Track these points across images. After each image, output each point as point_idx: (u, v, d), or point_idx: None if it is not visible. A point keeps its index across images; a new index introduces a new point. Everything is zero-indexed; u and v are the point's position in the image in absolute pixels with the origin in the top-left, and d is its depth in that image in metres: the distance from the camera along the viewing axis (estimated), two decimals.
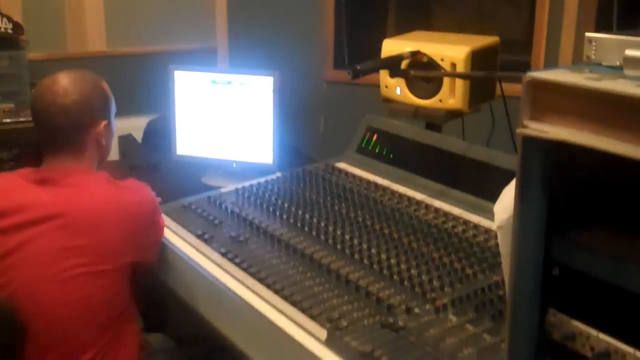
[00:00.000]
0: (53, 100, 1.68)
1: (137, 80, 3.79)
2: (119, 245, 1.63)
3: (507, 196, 1.25)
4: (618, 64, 1.09)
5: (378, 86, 2.52)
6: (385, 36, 4.27)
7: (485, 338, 1.44)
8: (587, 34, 1.17)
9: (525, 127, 1.10)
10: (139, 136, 3.44)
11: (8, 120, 3.46)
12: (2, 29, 3.52)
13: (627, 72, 1.02)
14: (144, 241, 1.72)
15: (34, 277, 1.55)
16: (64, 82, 1.71)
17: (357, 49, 4.16)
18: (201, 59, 3.86)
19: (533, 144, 1.10)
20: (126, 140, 3.39)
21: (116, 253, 1.62)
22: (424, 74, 2.11)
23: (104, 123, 1.75)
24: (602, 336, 1.11)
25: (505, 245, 1.24)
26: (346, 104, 3.96)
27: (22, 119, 3.48)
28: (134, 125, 3.39)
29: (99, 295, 1.61)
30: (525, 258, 1.17)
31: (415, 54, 2.07)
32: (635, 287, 1.04)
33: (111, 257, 1.61)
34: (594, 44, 1.16)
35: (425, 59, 2.09)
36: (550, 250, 1.16)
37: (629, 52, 1.02)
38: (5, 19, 3.53)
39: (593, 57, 1.16)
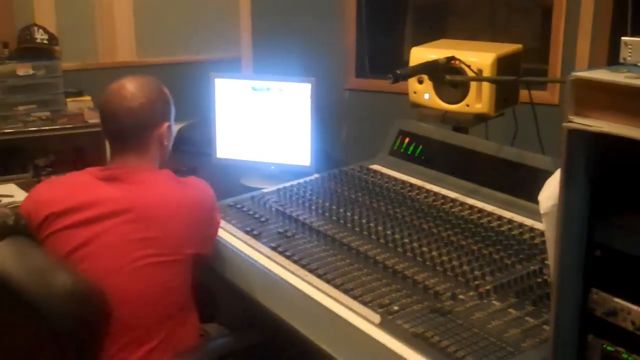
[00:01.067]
0: (121, 103, 1.81)
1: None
2: (183, 237, 1.75)
3: (551, 186, 1.37)
4: None
5: (398, 93, 2.64)
6: (403, 47, 4.42)
7: (528, 320, 1.56)
8: (624, 38, 1.30)
9: (570, 121, 1.23)
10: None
11: (45, 127, 3.61)
12: (39, 40, 3.68)
13: None
14: (204, 233, 1.85)
15: (106, 267, 1.67)
16: (131, 87, 1.83)
17: (377, 59, 4.29)
18: (226, 68, 3.99)
19: (577, 136, 1.23)
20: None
21: (180, 244, 1.75)
22: (459, 78, 2.23)
23: (166, 124, 1.88)
24: None
25: (550, 230, 1.36)
26: (367, 112, 4.09)
27: (57, 127, 3.64)
28: None
29: (165, 284, 1.73)
30: (569, 241, 1.29)
31: (450, 60, 2.19)
32: None
33: (176, 248, 1.74)
34: (629, 46, 1.29)
35: (457, 64, 2.21)
36: (592, 233, 1.28)
37: None
38: (41, 31, 3.69)
39: (629, 58, 1.28)
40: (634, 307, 1.24)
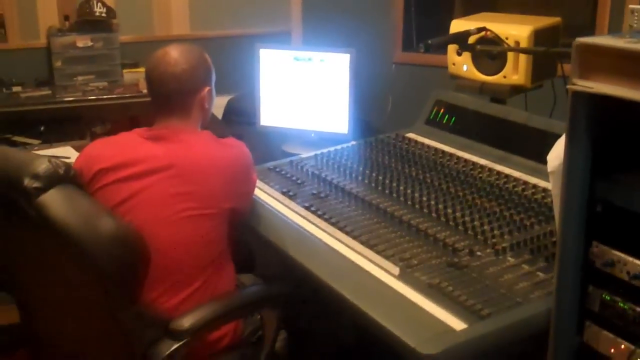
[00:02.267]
0: (165, 69, 1.94)
1: (218, 62, 4.06)
2: (221, 192, 1.88)
3: (559, 146, 1.46)
4: None
5: (443, 67, 2.71)
6: (452, 19, 4.47)
7: (539, 274, 1.65)
8: (631, 6, 1.37)
9: (574, 84, 1.31)
10: (219, 113, 3.71)
11: (102, 97, 3.79)
12: (97, 13, 3.85)
13: None
14: (240, 190, 1.97)
15: (150, 219, 1.81)
16: (174, 53, 1.96)
17: (424, 32, 4.35)
18: (276, 42, 4.11)
19: (581, 98, 1.31)
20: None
21: (218, 199, 1.88)
22: (489, 48, 2.30)
23: (207, 89, 2.00)
24: (638, 262, 1.31)
25: (555, 188, 1.45)
26: (412, 85, 4.16)
27: (114, 96, 3.81)
28: (215, 104, 3.67)
29: (204, 235, 1.86)
30: (573, 197, 1.38)
31: (481, 30, 2.27)
32: None
33: (214, 202, 1.87)
34: (635, 14, 1.36)
35: (490, 35, 2.28)
36: (594, 189, 1.36)
37: None
38: (99, 4, 3.86)
39: (635, 25, 1.35)
40: (629, 259, 1.33)
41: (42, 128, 3.65)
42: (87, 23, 3.86)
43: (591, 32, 3.78)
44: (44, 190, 1.52)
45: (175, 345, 1.72)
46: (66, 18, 3.88)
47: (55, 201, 1.53)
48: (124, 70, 3.97)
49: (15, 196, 1.52)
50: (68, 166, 1.59)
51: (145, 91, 3.80)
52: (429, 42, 2.14)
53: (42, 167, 1.53)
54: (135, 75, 3.98)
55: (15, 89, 3.72)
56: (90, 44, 3.85)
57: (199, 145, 1.93)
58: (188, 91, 1.96)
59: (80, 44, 3.83)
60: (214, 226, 1.88)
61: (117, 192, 1.86)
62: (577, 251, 1.41)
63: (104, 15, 3.86)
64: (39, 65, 3.93)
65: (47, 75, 3.89)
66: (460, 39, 2.25)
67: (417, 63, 4.19)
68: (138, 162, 1.87)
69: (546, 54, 2.34)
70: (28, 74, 3.86)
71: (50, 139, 3.59)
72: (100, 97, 3.77)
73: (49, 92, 3.72)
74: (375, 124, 3.53)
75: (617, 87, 1.26)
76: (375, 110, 3.96)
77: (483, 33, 2.29)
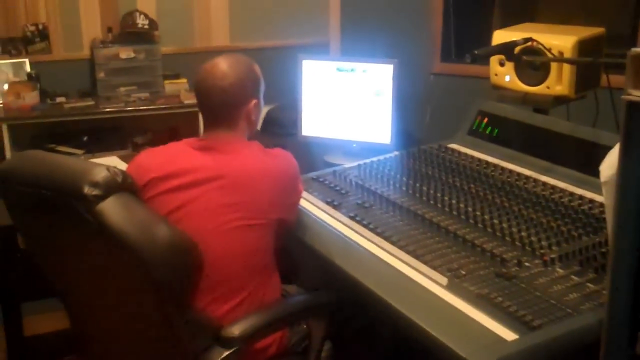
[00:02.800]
0: (213, 82, 1.96)
1: None
2: (269, 203, 1.89)
3: (612, 156, 1.45)
4: None
5: (482, 78, 2.71)
6: (490, 31, 4.45)
7: (589, 286, 1.64)
8: None
9: (629, 94, 1.30)
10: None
11: (144, 107, 3.84)
12: (140, 25, 3.92)
13: None
14: (287, 201, 1.99)
15: (200, 228, 1.82)
16: (223, 66, 1.98)
17: (463, 43, 4.34)
18: (314, 52, 4.13)
19: (636, 108, 1.30)
20: None
21: (266, 209, 1.89)
22: (535, 59, 2.29)
23: (254, 102, 2.01)
24: None
25: (609, 198, 1.44)
26: (451, 95, 4.15)
27: (155, 107, 3.87)
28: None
29: (252, 245, 1.88)
30: (627, 207, 1.37)
31: (527, 41, 2.26)
32: None
33: (262, 212, 1.88)
34: None
35: (536, 45, 2.27)
36: None
37: None
38: (142, 16, 3.93)
39: None
40: None
41: (85, 138, 3.71)
42: (130, 35, 3.92)
43: (633, 41, 3.74)
44: (102, 197, 1.54)
45: (226, 353, 1.74)
46: (109, 30, 3.95)
47: (113, 209, 1.55)
48: (165, 82, 4.02)
49: (74, 203, 1.54)
50: (125, 174, 1.62)
51: (186, 102, 3.88)
52: (476, 52, 2.14)
53: (101, 175, 1.56)
54: (176, 87, 4.03)
55: (59, 99, 3.79)
56: (132, 55, 3.91)
57: (248, 156, 1.94)
58: (235, 104, 1.98)
59: (123, 55, 3.89)
60: (261, 236, 1.90)
61: (168, 202, 1.88)
62: (631, 261, 1.39)
63: (146, 27, 3.92)
64: (82, 76, 4.00)
65: (90, 86, 3.97)
66: (507, 49, 2.25)
67: (455, 74, 4.19)
68: (188, 172, 1.90)
69: (592, 64, 2.33)
70: (71, 85, 3.93)
71: (92, 149, 3.65)
72: (142, 107, 3.82)
73: (92, 102, 3.79)
74: (415, 134, 3.54)
75: None
76: (414, 120, 3.97)
77: (529, 43, 2.28)
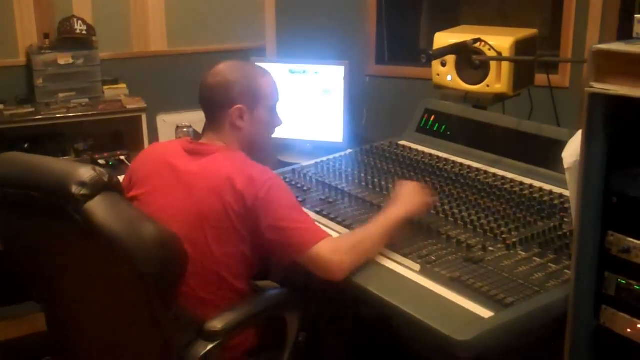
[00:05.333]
0: (206, 78, 2.03)
1: (195, 77, 4.14)
2: (228, 210, 1.88)
3: (573, 144, 1.59)
4: None
5: (415, 79, 2.84)
6: (418, 36, 4.63)
7: (551, 266, 1.77)
8: (637, 16, 1.51)
9: (591, 87, 1.44)
10: (200, 129, 3.78)
11: (86, 113, 3.81)
12: (78, 31, 3.88)
13: None
14: (259, 208, 1.89)
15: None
16: (221, 66, 2.04)
17: (394, 47, 4.50)
18: (255, 56, 4.20)
19: (597, 99, 1.44)
20: (188, 133, 3.73)
21: (228, 216, 1.88)
22: (485, 58, 2.44)
23: (237, 107, 2.01)
24: None
25: (572, 183, 1.58)
26: (386, 97, 4.30)
27: (97, 112, 3.85)
28: (195, 119, 3.71)
29: (219, 248, 1.91)
30: (590, 191, 1.50)
31: (476, 41, 2.41)
32: None
33: (225, 219, 1.88)
34: None
35: (482, 46, 2.41)
36: (609, 183, 1.49)
37: None
38: (80, 22, 3.90)
39: None
40: None
41: (25, 145, 3.66)
42: (68, 41, 3.88)
43: (554, 44, 3.96)
44: (90, 197, 1.57)
45: (210, 346, 1.79)
46: (46, 36, 3.90)
47: (101, 207, 1.58)
48: (105, 87, 4.00)
49: (62, 203, 1.57)
50: (111, 174, 1.65)
51: (128, 107, 3.88)
52: (430, 52, 2.26)
53: (88, 175, 1.59)
54: (116, 92, 4.02)
55: None
56: (71, 61, 3.87)
57: (221, 163, 1.96)
58: (217, 104, 2.03)
59: (61, 61, 3.85)
60: (230, 239, 1.92)
61: (145, 205, 1.94)
62: (594, 240, 1.53)
63: (84, 32, 3.88)
64: (18, 83, 3.94)
65: (27, 93, 3.90)
66: (459, 50, 2.38)
67: (390, 75, 4.34)
68: (172, 171, 1.96)
69: (536, 63, 2.49)
70: (8, 93, 3.87)
71: None
72: (84, 113, 3.79)
73: (32, 109, 3.74)
74: (358, 133, 3.66)
75: (631, 88, 1.39)
76: (355, 121, 4.09)
77: (478, 44, 2.42)
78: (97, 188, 1.59)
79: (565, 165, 1.60)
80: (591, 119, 1.46)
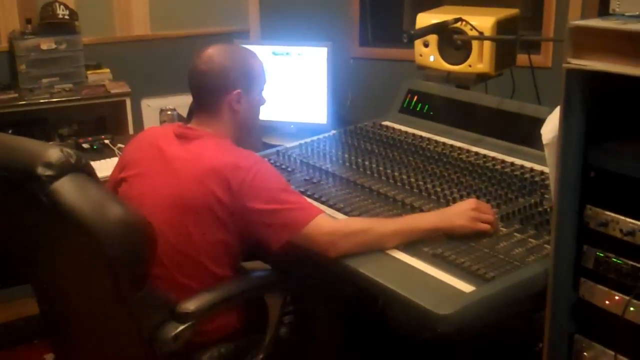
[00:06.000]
0: (196, 65, 2.01)
1: (179, 61, 4.13)
2: (213, 195, 1.88)
3: (552, 121, 1.60)
4: (638, 13, 1.45)
5: (398, 61, 2.84)
6: (401, 18, 4.62)
7: (531, 241, 1.80)
8: None
9: (569, 62, 1.46)
10: (184, 112, 3.78)
11: (70, 98, 3.81)
12: (60, 15, 3.87)
13: None
14: (244, 192, 1.89)
15: (153, 212, 1.84)
16: (211, 52, 2.02)
17: (379, 29, 4.51)
18: (239, 39, 4.19)
19: (575, 75, 1.46)
20: (172, 116, 3.73)
21: (212, 201, 1.88)
22: (467, 37, 2.45)
23: (236, 92, 2.02)
24: (629, 220, 1.47)
25: (551, 158, 1.60)
26: (370, 78, 4.31)
27: (81, 97, 3.84)
28: (179, 103, 3.72)
29: (202, 233, 1.91)
30: (568, 165, 1.52)
31: (457, 21, 2.42)
32: None
33: (209, 204, 1.88)
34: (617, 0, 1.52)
35: (464, 26, 2.43)
36: (587, 157, 1.52)
37: None
38: (62, 7, 3.88)
39: (617, 9, 1.51)
40: (622, 218, 1.48)
41: (10, 131, 3.65)
42: (50, 26, 3.87)
43: (535, 24, 3.97)
44: (56, 178, 1.58)
45: (181, 327, 1.80)
46: (28, 21, 3.88)
47: (66, 188, 1.59)
48: (88, 72, 3.99)
49: (29, 184, 1.58)
50: (79, 155, 1.65)
51: (112, 91, 3.87)
52: (412, 32, 2.28)
53: (55, 156, 1.59)
54: (99, 76, 4.02)
55: None
56: (54, 46, 3.86)
57: (208, 150, 1.96)
58: (214, 90, 2.01)
59: (44, 46, 3.84)
60: (211, 227, 1.92)
61: (131, 186, 1.95)
62: (573, 214, 1.56)
63: (67, 17, 3.87)
64: (1, 69, 3.93)
65: (10, 79, 3.89)
66: (440, 29, 2.40)
67: (374, 57, 4.36)
68: (161, 154, 1.97)
69: (517, 42, 2.50)
70: None
71: None
72: (68, 98, 3.79)
73: (15, 95, 3.73)
74: (342, 115, 3.67)
75: (607, 64, 1.41)
76: (339, 102, 4.11)
77: (459, 23, 2.43)
78: (63, 169, 1.60)
79: (544, 141, 1.62)
80: (569, 95, 1.48)
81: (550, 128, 1.60)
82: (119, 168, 2.08)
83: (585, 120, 1.50)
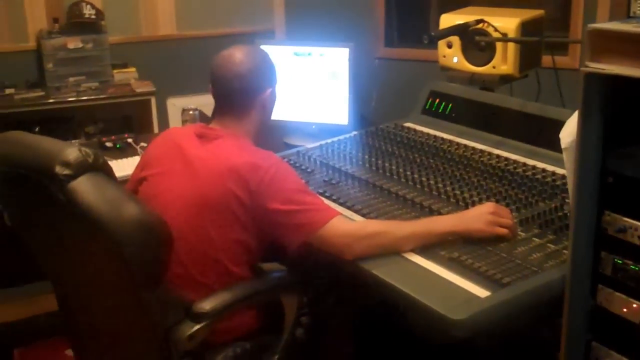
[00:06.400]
0: (230, 68, 2.01)
1: (205, 61, 4.15)
2: (233, 195, 1.89)
3: (570, 124, 1.58)
4: None
5: (424, 62, 2.83)
6: (427, 19, 4.60)
7: (550, 246, 1.78)
8: None
9: (587, 66, 1.44)
10: (209, 112, 3.80)
11: (96, 97, 3.84)
12: (87, 15, 3.90)
13: None
14: (264, 193, 1.90)
15: (171, 215, 1.84)
16: (239, 54, 2.04)
17: (404, 29, 4.49)
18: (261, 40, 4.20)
19: (593, 79, 1.44)
20: (194, 116, 3.74)
21: (231, 201, 1.89)
22: (488, 39, 2.43)
23: (269, 90, 2.08)
24: None
25: (569, 162, 1.58)
26: (395, 78, 4.29)
27: (107, 96, 3.87)
28: (204, 102, 3.73)
29: (219, 234, 1.92)
30: (586, 170, 1.50)
31: (479, 22, 2.40)
32: None
33: (226, 204, 1.89)
34: (639, 2, 1.49)
35: (486, 27, 2.40)
36: (605, 162, 1.49)
37: None
38: (89, 6, 3.91)
39: (638, 11, 1.49)
40: None
41: (36, 129, 3.69)
42: (77, 25, 3.90)
43: (564, 25, 3.93)
44: (74, 177, 1.59)
45: (196, 327, 1.80)
46: (55, 20, 3.92)
47: (83, 188, 1.60)
48: (114, 71, 4.02)
49: (47, 182, 1.59)
50: (97, 155, 1.66)
51: (138, 90, 3.90)
52: (433, 34, 2.26)
53: (73, 155, 1.60)
54: (125, 75, 4.04)
55: (8, 91, 3.76)
56: (80, 45, 3.89)
57: (228, 150, 1.97)
58: (251, 91, 2.04)
59: (70, 45, 3.87)
60: (230, 226, 1.92)
61: (151, 185, 1.96)
62: (590, 220, 1.53)
63: (93, 17, 3.90)
64: (29, 67, 3.97)
65: (37, 77, 3.94)
66: (460, 31, 2.38)
67: (400, 58, 4.34)
68: (181, 154, 1.99)
69: (534, 44, 2.47)
70: (19, 77, 3.90)
71: None
72: (94, 97, 3.82)
73: (42, 93, 3.77)
74: (365, 116, 3.66)
75: (626, 68, 1.39)
76: (361, 103, 4.10)
77: (481, 25, 2.41)
78: (81, 168, 1.61)
79: (563, 145, 1.60)
80: (587, 99, 1.46)
81: (568, 132, 1.58)
82: (141, 167, 2.10)
83: (603, 124, 1.47)
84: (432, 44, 2.35)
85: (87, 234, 1.67)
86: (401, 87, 4.14)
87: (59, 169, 1.59)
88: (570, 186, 1.59)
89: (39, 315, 2.86)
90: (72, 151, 1.62)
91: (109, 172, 1.72)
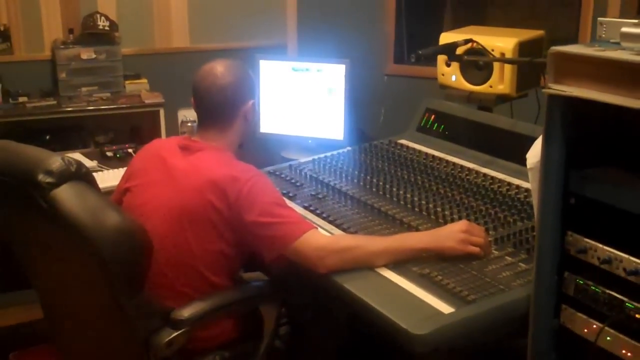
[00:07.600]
0: (213, 81, 2.06)
1: None
2: (212, 206, 1.93)
3: (537, 146, 1.60)
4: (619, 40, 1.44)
5: (432, 79, 2.86)
6: (439, 36, 4.64)
7: (521, 265, 1.79)
8: (599, 19, 1.52)
9: (550, 88, 1.46)
10: None
11: (106, 107, 3.92)
12: (101, 27, 3.99)
13: (623, 44, 1.37)
14: (240, 204, 1.93)
15: (151, 224, 1.89)
16: (221, 67, 2.09)
17: (415, 45, 4.51)
18: (273, 53, 4.25)
19: (556, 101, 1.46)
20: (192, 128, 3.78)
21: (210, 212, 1.93)
22: (475, 58, 2.45)
23: (251, 102, 2.13)
24: (606, 248, 1.45)
25: (534, 182, 1.60)
26: (403, 95, 4.32)
27: (117, 106, 3.95)
28: None
29: (199, 243, 1.96)
30: (550, 191, 1.52)
31: (468, 42, 2.42)
32: (632, 208, 1.39)
33: (206, 215, 1.93)
34: (604, 26, 1.51)
35: (477, 47, 2.43)
36: (568, 184, 1.51)
37: (624, 29, 1.36)
38: (103, 18, 4.00)
39: (603, 36, 1.51)
40: (599, 245, 1.47)
41: (47, 137, 3.77)
42: (91, 36, 3.99)
43: (574, 43, 3.92)
44: (56, 185, 1.64)
45: (175, 334, 1.84)
46: (70, 31, 4.01)
47: (65, 195, 1.65)
48: (126, 82, 4.10)
49: (30, 190, 1.64)
50: (79, 164, 1.71)
51: (147, 101, 3.97)
52: (420, 52, 2.29)
53: (56, 164, 1.65)
54: (136, 86, 4.12)
55: (21, 99, 3.85)
56: (93, 56, 3.98)
57: (208, 162, 2.01)
58: (233, 103, 2.08)
59: (84, 56, 3.96)
60: (210, 237, 1.96)
61: (134, 197, 2.01)
62: (554, 240, 1.55)
63: (107, 28, 3.99)
64: (43, 76, 4.06)
65: (51, 86, 4.02)
66: (449, 50, 2.40)
67: (408, 75, 4.36)
68: (164, 166, 2.03)
69: (528, 64, 2.49)
70: (33, 85, 3.98)
71: (55, 148, 3.68)
72: (104, 107, 3.90)
73: (54, 102, 3.85)
74: (369, 132, 3.69)
75: (587, 90, 1.41)
76: (369, 119, 4.13)
77: (470, 45, 2.44)
78: (63, 177, 1.66)
79: (528, 166, 1.62)
80: (550, 120, 1.48)
81: (534, 153, 1.60)
82: (125, 178, 2.15)
83: (566, 146, 1.49)
84: (417, 62, 2.37)
85: (69, 240, 1.71)
86: (410, 104, 4.17)
87: (41, 177, 1.64)
88: (535, 206, 1.61)
89: (34, 320, 2.91)
90: (55, 160, 1.68)
91: (91, 181, 1.78)
